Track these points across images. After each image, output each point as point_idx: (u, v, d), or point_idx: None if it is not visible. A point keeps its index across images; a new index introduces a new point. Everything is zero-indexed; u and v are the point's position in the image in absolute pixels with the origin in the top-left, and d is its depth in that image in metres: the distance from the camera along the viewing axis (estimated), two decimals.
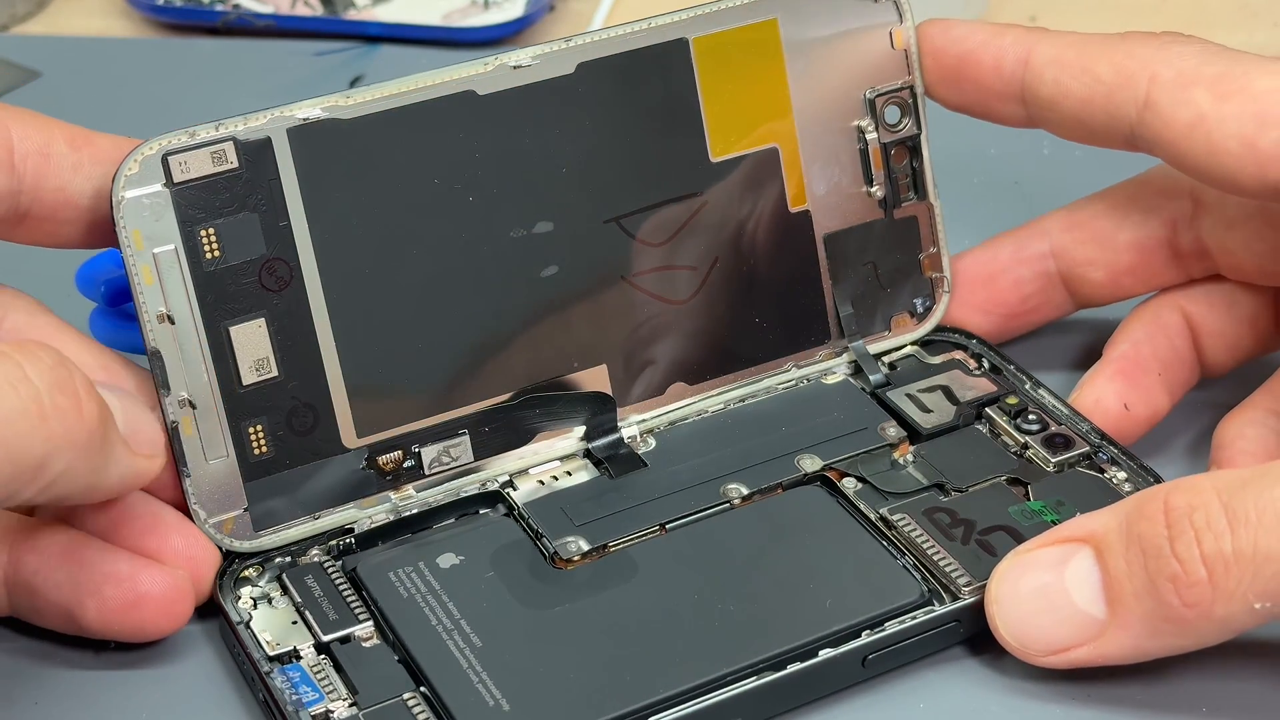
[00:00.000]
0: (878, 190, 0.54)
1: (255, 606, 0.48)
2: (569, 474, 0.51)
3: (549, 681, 0.45)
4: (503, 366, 0.51)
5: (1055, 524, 0.48)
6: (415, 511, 0.50)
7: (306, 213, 0.48)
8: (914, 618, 0.46)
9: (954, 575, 0.47)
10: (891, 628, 0.46)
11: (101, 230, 0.47)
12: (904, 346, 0.55)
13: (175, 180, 0.47)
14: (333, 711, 0.45)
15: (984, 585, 0.47)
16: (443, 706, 0.45)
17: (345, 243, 0.48)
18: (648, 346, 0.52)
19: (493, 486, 0.51)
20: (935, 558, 0.48)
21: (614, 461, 0.51)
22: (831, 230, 0.54)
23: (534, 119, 0.50)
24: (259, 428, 0.48)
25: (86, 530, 0.47)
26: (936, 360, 0.55)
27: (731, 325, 0.53)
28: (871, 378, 0.54)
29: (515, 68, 0.50)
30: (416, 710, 0.45)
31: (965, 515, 0.49)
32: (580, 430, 0.52)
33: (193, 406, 0.47)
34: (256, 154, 0.47)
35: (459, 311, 0.50)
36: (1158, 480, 0.50)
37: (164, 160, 0.46)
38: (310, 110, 0.48)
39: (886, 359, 0.55)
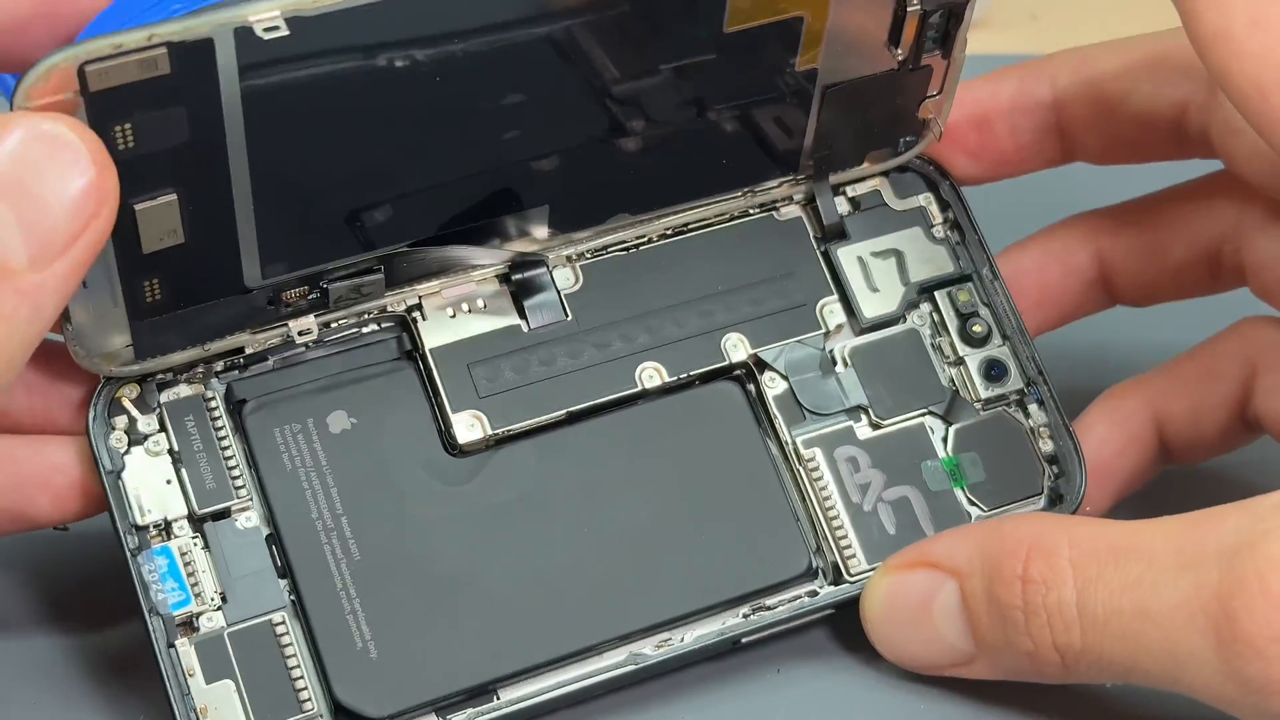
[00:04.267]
0: (900, 53, 0.47)
1: (129, 450, 0.45)
2: (484, 306, 0.47)
3: (418, 626, 0.45)
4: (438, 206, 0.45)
5: (963, 490, 0.48)
6: (312, 359, 0.46)
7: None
8: (794, 595, 0.47)
9: (846, 553, 0.47)
10: (767, 609, 0.46)
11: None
12: (873, 176, 0.50)
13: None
14: (199, 616, 0.44)
15: (869, 572, 0.47)
16: (311, 637, 0.44)
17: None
18: (595, 177, 0.47)
19: (398, 309, 0.47)
20: (833, 524, 0.47)
21: (532, 302, 0.47)
22: (835, 81, 0.47)
23: None
24: (155, 282, 0.43)
25: None
26: (901, 206, 0.50)
27: (691, 155, 0.48)
28: (826, 221, 0.49)
29: None
30: (284, 639, 0.44)
31: (877, 463, 0.48)
32: (505, 259, 0.47)
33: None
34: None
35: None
36: (1072, 440, 0.49)
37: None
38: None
39: (850, 190, 0.50)
